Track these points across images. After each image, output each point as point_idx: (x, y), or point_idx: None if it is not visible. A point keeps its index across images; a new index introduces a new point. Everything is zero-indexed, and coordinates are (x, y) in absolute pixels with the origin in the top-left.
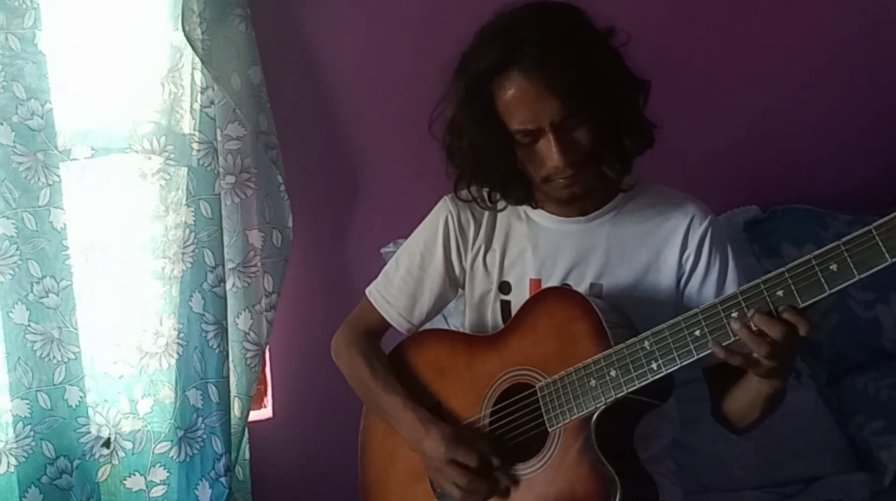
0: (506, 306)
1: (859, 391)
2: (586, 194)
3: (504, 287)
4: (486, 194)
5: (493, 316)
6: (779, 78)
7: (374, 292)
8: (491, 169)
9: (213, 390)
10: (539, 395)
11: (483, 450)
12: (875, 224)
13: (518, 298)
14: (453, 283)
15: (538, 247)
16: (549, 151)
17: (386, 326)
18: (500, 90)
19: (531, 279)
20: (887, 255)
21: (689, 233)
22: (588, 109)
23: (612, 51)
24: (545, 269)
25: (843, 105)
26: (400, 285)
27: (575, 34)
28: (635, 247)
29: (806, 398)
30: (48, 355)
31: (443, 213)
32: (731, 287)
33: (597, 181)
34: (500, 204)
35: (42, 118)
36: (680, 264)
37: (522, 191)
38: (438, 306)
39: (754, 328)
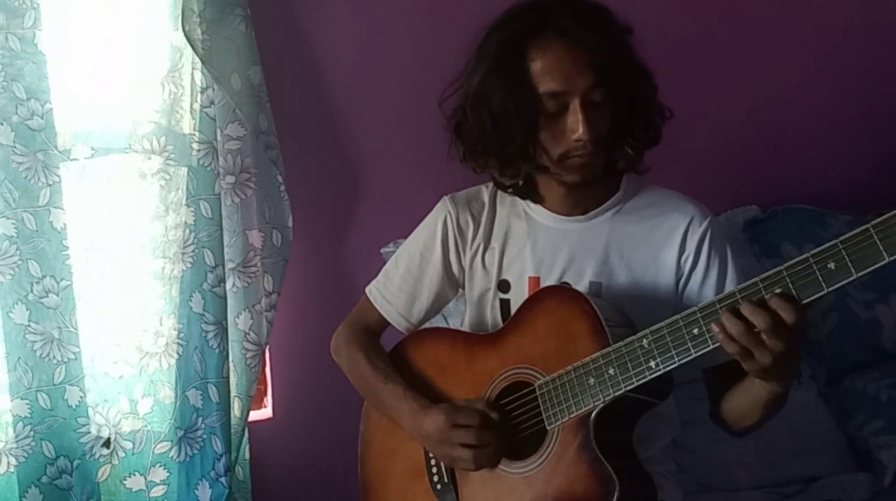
0: (505, 304)
1: (859, 391)
2: (593, 182)
3: (503, 285)
4: (496, 169)
5: (492, 315)
6: (779, 78)
7: (373, 290)
8: (510, 138)
9: (213, 390)
10: (538, 393)
11: (480, 409)
12: (873, 223)
13: (517, 296)
14: (452, 282)
15: (537, 245)
16: (575, 121)
17: (385, 324)
18: (536, 52)
19: (530, 277)
20: (885, 253)
21: (687, 234)
22: (616, 84)
23: (631, 45)
24: (544, 267)
25: (843, 105)
26: (399, 283)
27: (606, 16)
28: (634, 246)
29: (806, 398)
30: (48, 355)
31: (442, 213)
32: (730, 288)
33: (605, 171)
34: (501, 199)
35: (42, 118)
36: (679, 266)
37: (528, 177)
38: (437, 306)
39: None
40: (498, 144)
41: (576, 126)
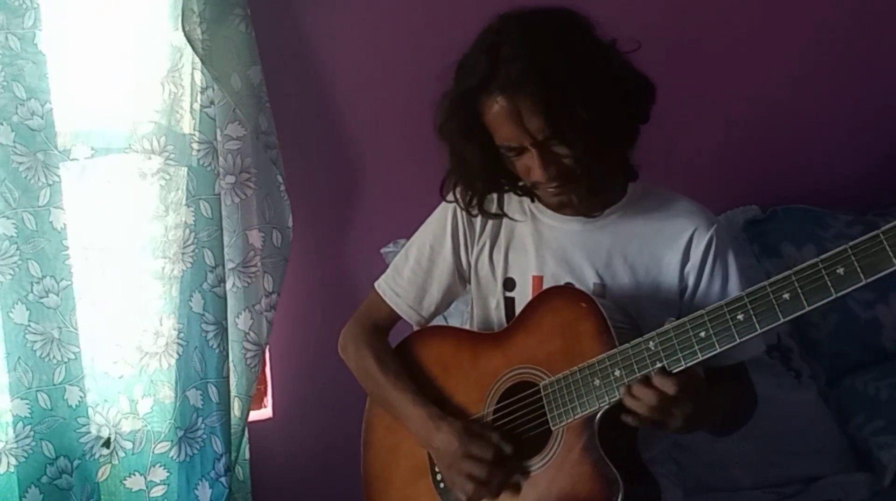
0: (510, 302)
1: (859, 391)
2: (580, 202)
3: (508, 284)
4: (468, 198)
5: (497, 313)
6: (779, 78)
7: (382, 284)
8: (473, 179)
9: (213, 390)
10: (542, 393)
11: (496, 442)
12: (884, 229)
13: (521, 294)
14: (461, 277)
15: (541, 244)
16: (533, 165)
17: (394, 319)
18: (485, 107)
19: (534, 276)
20: (895, 260)
21: (691, 244)
22: (568, 133)
23: (609, 65)
24: (548, 266)
25: (843, 105)
26: (409, 276)
27: (566, 55)
28: (639, 249)
29: (806, 398)
30: (48, 355)
31: (451, 205)
32: (733, 292)
33: (589, 190)
34: (492, 207)
35: (42, 118)
36: (682, 276)
37: (517, 191)
38: (447, 300)
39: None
40: (468, 181)
41: (534, 169)
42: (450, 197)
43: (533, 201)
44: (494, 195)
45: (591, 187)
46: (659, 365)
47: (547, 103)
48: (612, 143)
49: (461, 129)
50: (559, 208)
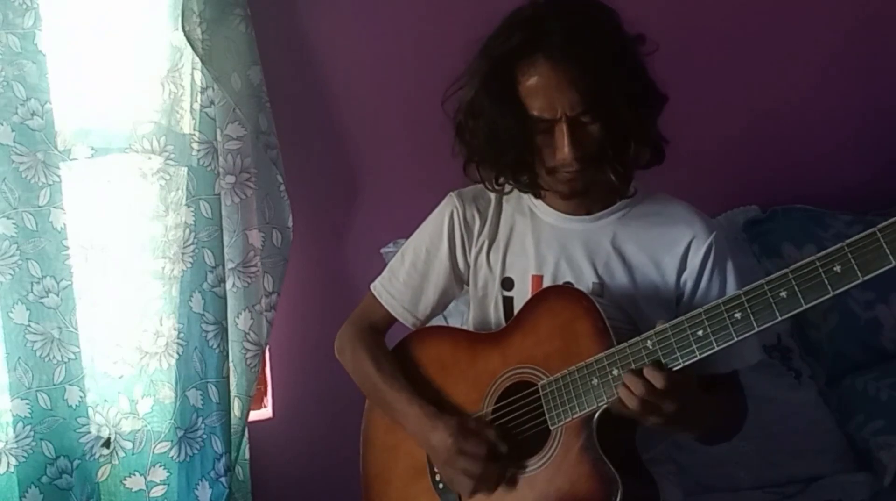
0: (508, 302)
1: (859, 391)
2: (585, 193)
3: (506, 283)
4: (493, 177)
5: (495, 313)
6: (780, 79)
7: (378, 286)
8: (504, 151)
9: (213, 390)
10: (541, 393)
11: (490, 438)
12: (880, 226)
13: (520, 294)
14: (458, 279)
15: (541, 243)
16: (561, 142)
17: (390, 321)
18: (523, 75)
19: (533, 276)
20: (892, 257)
21: (689, 252)
22: (603, 109)
23: (637, 59)
24: (547, 266)
25: (843, 106)
26: (405, 279)
27: (604, 34)
28: (637, 249)
29: (806, 398)
30: (48, 355)
31: (448, 208)
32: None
33: (599, 182)
34: (507, 196)
35: (42, 118)
36: (678, 283)
37: (530, 178)
38: (443, 302)
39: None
40: (493, 157)
41: (560, 145)
42: (449, 202)
43: (537, 196)
44: (492, 196)
45: (609, 172)
46: (652, 358)
47: (590, 74)
48: (634, 134)
49: (496, 98)
50: (567, 197)
